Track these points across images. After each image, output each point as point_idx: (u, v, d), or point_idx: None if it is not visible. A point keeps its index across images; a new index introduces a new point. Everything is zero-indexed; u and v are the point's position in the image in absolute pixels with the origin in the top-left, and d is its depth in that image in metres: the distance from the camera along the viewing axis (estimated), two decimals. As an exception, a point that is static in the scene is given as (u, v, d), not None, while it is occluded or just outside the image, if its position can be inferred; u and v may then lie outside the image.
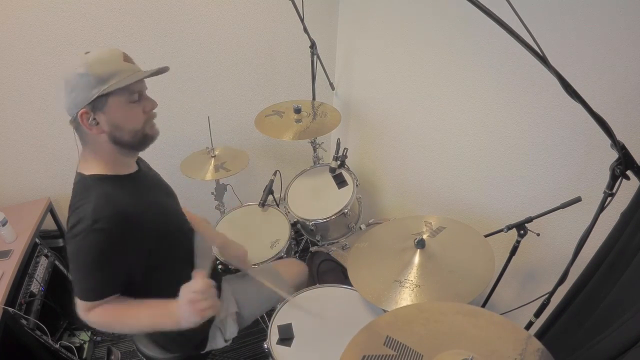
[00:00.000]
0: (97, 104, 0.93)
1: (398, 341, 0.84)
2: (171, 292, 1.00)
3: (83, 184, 1.01)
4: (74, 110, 0.95)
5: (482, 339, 0.85)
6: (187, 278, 1.05)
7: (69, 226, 0.97)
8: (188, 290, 0.97)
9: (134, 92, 0.97)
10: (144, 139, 1.03)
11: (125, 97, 0.96)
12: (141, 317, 1.03)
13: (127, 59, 0.98)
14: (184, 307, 0.96)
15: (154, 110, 1.04)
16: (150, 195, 1.13)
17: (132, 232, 0.98)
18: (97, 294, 1.00)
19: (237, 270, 1.60)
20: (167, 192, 1.24)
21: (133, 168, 1.11)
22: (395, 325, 0.89)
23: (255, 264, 1.61)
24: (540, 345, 0.81)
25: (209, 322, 1.28)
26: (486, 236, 1.38)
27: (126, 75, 0.94)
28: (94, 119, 0.94)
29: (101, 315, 1.01)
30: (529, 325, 1.27)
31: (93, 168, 1.01)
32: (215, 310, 0.99)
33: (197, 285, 0.97)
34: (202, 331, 1.27)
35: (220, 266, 1.65)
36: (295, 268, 1.56)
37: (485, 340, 0.84)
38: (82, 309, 1.01)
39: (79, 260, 0.96)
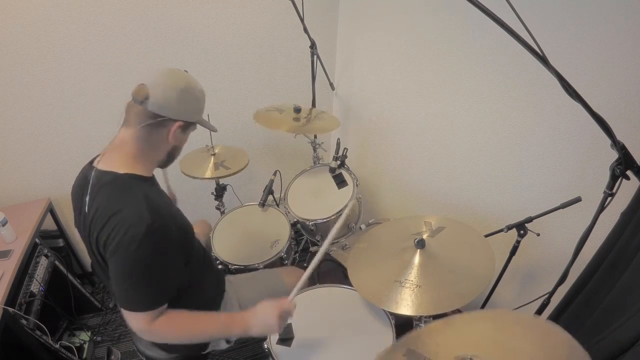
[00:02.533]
0: (188, 125, 1.05)
1: (420, 353, 0.80)
2: (198, 294, 1.10)
3: (120, 183, 0.97)
4: (172, 115, 0.98)
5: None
6: (202, 279, 1.13)
7: (110, 232, 0.91)
8: (278, 306, 1.06)
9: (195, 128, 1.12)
10: (171, 160, 1.15)
11: (194, 128, 1.11)
12: (211, 324, 1.06)
13: None
14: (265, 321, 1.05)
15: None
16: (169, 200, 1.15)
17: (173, 232, 0.98)
18: (159, 301, 0.97)
19: (237, 271, 1.60)
20: None
21: (152, 173, 1.12)
22: (416, 339, 0.85)
23: (255, 264, 1.61)
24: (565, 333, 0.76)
25: None
26: (486, 236, 1.38)
27: (202, 116, 1.11)
28: (176, 134, 1.02)
29: (168, 323, 0.99)
30: (529, 325, 1.27)
31: (129, 166, 0.99)
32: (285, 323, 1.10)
33: (289, 306, 1.08)
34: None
35: (220, 266, 1.65)
36: (295, 276, 1.56)
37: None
38: (144, 321, 0.97)
39: (135, 269, 0.92)
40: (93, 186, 0.98)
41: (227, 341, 1.34)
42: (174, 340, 1.08)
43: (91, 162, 1.07)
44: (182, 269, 1.06)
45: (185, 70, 1.04)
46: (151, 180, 1.08)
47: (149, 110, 0.95)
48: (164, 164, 1.12)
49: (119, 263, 0.92)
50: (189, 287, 1.11)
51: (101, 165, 1.01)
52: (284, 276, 1.51)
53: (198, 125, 1.11)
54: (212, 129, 1.16)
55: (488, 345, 0.78)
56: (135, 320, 0.97)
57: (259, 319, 1.06)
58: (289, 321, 1.26)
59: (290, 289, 1.42)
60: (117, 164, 0.99)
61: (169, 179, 1.46)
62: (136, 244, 0.89)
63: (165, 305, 0.99)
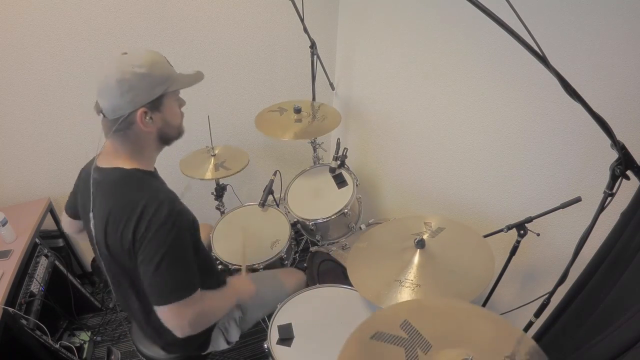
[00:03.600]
0: (155, 103, 0.97)
1: (414, 327, 0.86)
2: (207, 277, 1.15)
3: (130, 177, 0.99)
4: (128, 109, 0.94)
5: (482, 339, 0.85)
6: (206, 281, 1.13)
7: (137, 224, 0.92)
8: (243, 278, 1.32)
9: (179, 95, 1.06)
10: (180, 133, 1.10)
11: (175, 96, 1.04)
12: (224, 303, 1.16)
13: (169, 63, 1.03)
14: (247, 285, 1.29)
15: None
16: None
17: (190, 217, 1.04)
18: (194, 286, 0.98)
19: (237, 271, 1.60)
20: None
21: (154, 167, 1.13)
22: (417, 312, 0.92)
23: (255, 264, 1.61)
24: (533, 343, 0.82)
25: (212, 325, 1.28)
26: (486, 236, 1.38)
27: (175, 77, 1.01)
28: (151, 117, 0.98)
29: (201, 307, 1.00)
30: (529, 325, 1.27)
31: (132, 163, 1.01)
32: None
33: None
34: (204, 334, 1.27)
35: (220, 266, 1.65)
36: (294, 276, 1.56)
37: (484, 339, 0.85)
38: (189, 306, 0.96)
39: (169, 258, 0.93)
40: (98, 185, 1.00)
41: (228, 342, 1.34)
42: (215, 319, 1.14)
43: (90, 162, 1.08)
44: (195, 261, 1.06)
45: (125, 53, 0.96)
46: (154, 175, 1.10)
47: (109, 119, 0.96)
48: (166, 144, 1.09)
49: (152, 248, 0.92)
50: (205, 269, 1.15)
51: (105, 163, 1.02)
52: (284, 277, 1.51)
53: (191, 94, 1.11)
54: (192, 82, 1.05)
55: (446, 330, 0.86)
56: (179, 312, 0.96)
57: (245, 284, 1.29)
58: (288, 321, 1.26)
59: (290, 290, 1.42)
60: (121, 161, 1.01)
61: None
62: (167, 226, 0.93)
63: (199, 290, 1.00)
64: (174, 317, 0.96)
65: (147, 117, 0.97)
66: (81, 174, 1.15)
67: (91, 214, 0.99)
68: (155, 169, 1.13)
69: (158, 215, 0.92)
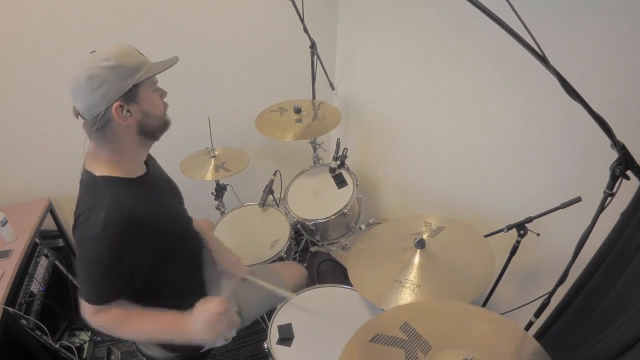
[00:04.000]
0: (130, 95, 0.94)
1: (413, 329, 0.86)
2: (178, 296, 1.05)
3: (94, 184, 0.99)
4: (102, 105, 0.92)
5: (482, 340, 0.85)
6: (194, 281, 1.10)
7: (78, 225, 0.96)
8: (206, 310, 1.01)
9: (156, 81, 1.02)
10: (165, 125, 1.07)
11: (151, 86, 1.00)
12: (150, 327, 1.04)
13: (139, 52, 1.01)
14: (201, 326, 1.00)
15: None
16: (159, 198, 1.13)
17: (142, 236, 0.98)
18: (103, 299, 0.99)
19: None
20: (173, 193, 1.25)
21: (142, 170, 1.10)
22: (417, 314, 0.92)
23: (254, 264, 1.61)
24: (536, 344, 0.82)
25: None
26: (486, 236, 1.38)
27: (149, 66, 0.98)
28: (128, 110, 0.95)
29: (107, 319, 1.01)
30: (529, 325, 1.27)
31: (105, 169, 0.99)
32: (234, 326, 1.07)
33: (216, 307, 1.01)
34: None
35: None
36: (294, 270, 1.56)
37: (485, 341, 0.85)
38: (88, 311, 1.01)
39: (87, 264, 0.96)
40: (80, 184, 1.02)
41: (224, 338, 1.33)
42: (114, 334, 1.07)
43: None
44: (140, 271, 1.03)
45: (93, 51, 0.96)
46: (132, 182, 1.04)
47: (87, 120, 0.96)
48: (151, 138, 1.06)
49: (77, 253, 0.97)
50: (181, 284, 1.12)
51: (87, 165, 1.03)
52: (283, 272, 1.51)
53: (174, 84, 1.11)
54: (165, 67, 1.00)
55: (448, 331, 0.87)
56: (83, 308, 1.01)
57: (198, 324, 1.01)
58: (288, 321, 1.26)
59: (287, 282, 1.41)
60: (94, 165, 1.01)
61: None
62: (91, 242, 0.93)
63: (112, 304, 1.00)
64: (83, 310, 1.01)
65: (124, 111, 0.94)
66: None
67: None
68: (145, 172, 1.10)
69: (89, 231, 0.93)
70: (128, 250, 0.96)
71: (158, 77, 1.04)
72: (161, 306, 1.05)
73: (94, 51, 0.96)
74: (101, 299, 0.99)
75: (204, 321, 1.00)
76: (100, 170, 1.00)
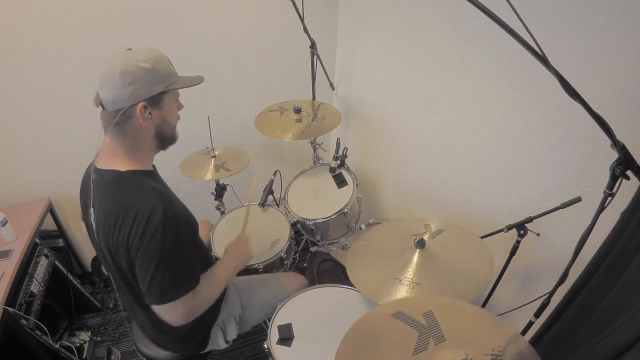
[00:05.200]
0: (155, 99, 0.98)
1: (436, 319, 0.88)
2: (204, 267, 1.16)
3: (123, 179, 0.98)
4: (129, 102, 0.93)
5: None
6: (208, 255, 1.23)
7: (131, 227, 0.92)
8: (233, 242, 1.29)
9: (179, 93, 1.07)
10: (175, 137, 1.11)
11: (175, 95, 1.06)
12: (218, 282, 1.15)
13: (170, 62, 1.04)
14: (240, 251, 1.27)
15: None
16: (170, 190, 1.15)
17: (187, 219, 1.05)
18: (191, 283, 1.01)
19: (240, 272, 1.60)
20: None
21: (152, 165, 1.13)
22: (444, 305, 0.93)
23: (255, 264, 1.61)
24: (525, 342, 0.82)
25: (211, 321, 1.29)
26: (486, 236, 1.38)
27: (177, 78, 1.02)
28: (150, 112, 0.97)
29: (199, 298, 1.04)
30: (529, 325, 1.27)
31: (129, 163, 1.01)
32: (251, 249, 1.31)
33: (236, 238, 1.30)
34: (203, 330, 1.27)
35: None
36: (296, 281, 1.56)
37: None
38: (188, 301, 0.99)
39: (169, 255, 0.94)
40: (96, 185, 1.00)
41: (226, 341, 1.34)
42: (213, 299, 1.13)
43: (91, 163, 1.08)
44: (196, 255, 1.08)
45: (129, 49, 0.99)
46: (153, 174, 1.09)
47: (109, 111, 0.96)
48: (161, 146, 1.09)
49: (148, 255, 0.93)
50: (204, 258, 1.18)
51: (102, 164, 1.01)
52: (285, 281, 1.51)
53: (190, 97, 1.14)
54: (192, 84, 1.06)
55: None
56: (178, 308, 0.99)
57: (235, 258, 1.25)
58: (288, 321, 1.26)
59: (291, 293, 1.41)
60: (117, 162, 1.00)
61: None
62: (160, 232, 0.92)
63: (195, 289, 1.02)
64: (168, 313, 1.00)
65: (147, 112, 0.97)
66: (87, 169, 1.15)
67: (91, 210, 1.01)
68: (154, 166, 1.13)
69: (151, 222, 0.92)
70: (186, 233, 1.01)
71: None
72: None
73: (130, 49, 0.98)
74: (190, 284, 1.00)
75: (239, 247, 1.28)
76: (124, 165, 1.00)
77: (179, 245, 0.97)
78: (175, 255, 0.96)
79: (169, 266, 0.95)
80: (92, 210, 1.01)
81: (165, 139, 1.07)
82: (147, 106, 0.96)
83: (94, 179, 1.01)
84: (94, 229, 1.02)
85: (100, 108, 0.98)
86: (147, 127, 0.99)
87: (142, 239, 0.92)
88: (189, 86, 1.04)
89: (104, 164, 1.01)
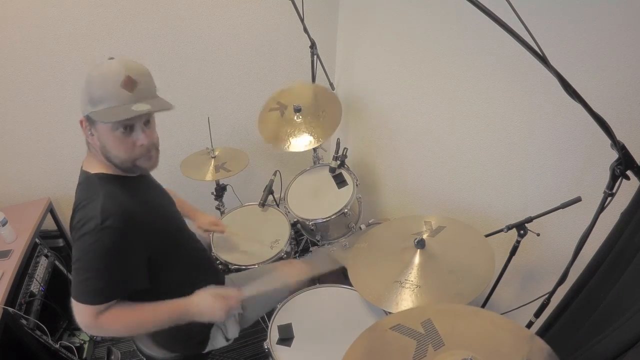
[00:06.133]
0: (90, 120, 0.96)
1: (434, 326, 0.88)
2: (176, 295, 1.05)
3: (88, 182, 1.01)
4: (81, 112, 0.97)
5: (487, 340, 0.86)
6: (192, 280, 1.11)
7: (74, 224, 0.96)
8: (209, 290, 1.08)
9: (119, 127, 0.94)
10: (134, 168, 1.02)
11: (109, 126, 0.94)
12: (154, 316, 1.03)
13: (127, 84, 0.91)
14: (208, 303, 1.05)
15: (157, 143, 1.04)
16: (153, 197, 1.14)
17: (138, 231, 0.98)
18: (107, 295, 0.96)
19: (237, 271, 1.60)
20: (164, 195, 1.25)
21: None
22: (442, 311, 0.95)
23: (255, 264, 1.61)
24: (544, 344, 0.82)
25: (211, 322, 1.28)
26: (486, 236, 1.38)
27: (114, 105, 0.91)
28: (91, 131, 0.98)
29: (114, 318, 0.97)
30: (529, 325, 1.27)
31: (100, 167, 1.03)
32: (238, 304, 1.10)
33: (218, 289, 1.09)
34: (202, 331, 1.27)
35: (220, 266, 1.65)
36: (294, 268, 1.55)
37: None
38: (88, 314, 0.95)
39: (87, 260, 0.94)
40: (78, 186, 1.05)
41: (226, 339, 1.34)
42: (117, 334, 1.07)
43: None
44: (140, 269, 1.03)
45: (111, 58, 0.94)
46: (125, 179, 1.05)
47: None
48: (122, 170, 1.03)
49: (75, 252, 0.95)
50: (180, 285, 1.11)
51: (84, 165, 1.06)
52: (284, 270, 1.51)
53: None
54: (119, 118, 0.90)
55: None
56: (81, 313, 0.96)
57: (200, 307, 1.05)
58: (288, 321, 1.26)
59: (292, 283, 1.41)
60: (89, 164, 1.04)
61: None
62: (90, 237, 0.92)
63: (114, 302, 0.98)
64: (78, 314, 0.96)
65: (88, 129, 0.98)
66: None
67: None
68: (138, 174, 1.09)
69: (87, 226, 0.92)
70: (126, 246, 0.96)
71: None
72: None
73: (112, 58, 0.96)
74: (104, 297, 0.96)
75: (209, 298, 1.05)
76: (94, 168, 1.02)
77: (100, 256, 0.93)
78: (91, 265, 0.94)
79: (82, 270, 0.94)
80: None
81: (117, 166, 1.00)
82: (87, 125, 0.97)
83: (78, 182, 1.05)
84: None
85: None
86: (94, 144, 0.99)
87: (76, 236, 0.95)
88: (117, 120, 0.91)
89: (85, 165, 1.06)
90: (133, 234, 0.97)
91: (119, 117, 0.91)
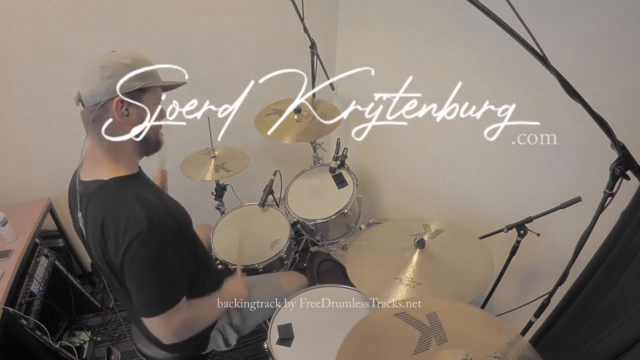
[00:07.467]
0: (133, 96, 0.95)
1: (439, 320, 0.89)
2: (200, 285, 1.13)
3: (108, 188, 0.96)
4: (106, 96, 0.92)
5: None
6: (201, 278, 1.14)
7: (112, 233, 0.91)
8: (235, 278, 1.30)
9: (160, 97, 1.04)
10: (158, 143, 1.08)
11: (157, 96, 1.03)
12: (212, 307, 1.14)
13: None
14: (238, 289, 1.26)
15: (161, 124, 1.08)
16: (159, 190, 1.13)
17: (175, 225, 0.98)
18: (173, 298, 0.96)
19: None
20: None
21: (137, 167, 1.10)
22: (448, 308, 0.95)
23: (255, 264, 1.61)
24: (526, 342, 0.83)
25: (210, 325, 1.28)
26: (486, 236, 1.38)
27: (157, 78, 1.02)
28: (127, 109, 0.95)
29: (180, 318, 0.99)
30: (529, 325, 1.27)
31: (107, 172, 0.98)
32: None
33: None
34: (202, 334, 1.27)
35: (220, 266, 1.65)
36: (296, 280, 1.55)
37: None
38: (160, 323, 0.96)
39: (146, 270, 0.92)
40: (82, 198, 0.99)
41: (227, 344, 1.34)
42: (194, 332, 1.08)
43: (75, 172, 1.06)
44: (189, 260, 1.06)
45: (113, 51, 0.97)
46: (137, 177, 1.05)
47: (87, 106, 0.96)
48: (144, 151, 1.05)
49: (134, 268, 0.92)
50: (192, 285, 1.11)
51: (85, 175, 1.00)
52: (285, 281, 1.51)
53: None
54: (171, 84, 1.05)
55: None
56: (160, 326, 0.96)
57: (232, 292, 1.23)
58: (288, 321, 1.26)
59: (291, 293, 1.41)
60: (100, 170, 0.98)
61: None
62: (142, 245, 0.90)
63: (184, 300, 0.99)
64: (158, 327, 0.97)
65: (123, 108, 0.94)
66: (73, 175, 1.13)
67: (79, 214, 1.00)
68: (139, 168, 1.10)
69: (134, 236, 0.89)
70: (172, 240, 0.96)
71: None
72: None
73: (114, 51, 0.97)
74: (172, 299, 0.96)
75: (242, 285, 1.27)
76: (107, 172, 0.98)
77: (165, 255, 0.94)
78: (160, 268, 0.94)
79: (153, 279, 0.94)
80: (79, 214, 1.00)
81: (146, 143, 1.02)
82: (124, 102, 0.93)
83: (78, 192, 0.99)
84: (84, 234, 1.01)
85: (80, 106, 0.97)
86: (124, 124, 0.96)
87: (129, 247, 0.90)
88: (168, 84, 1.03)
89: (88, 175, 1.00)
90: (174, 229, 0.97)
91: (178, 82, 1.06)
